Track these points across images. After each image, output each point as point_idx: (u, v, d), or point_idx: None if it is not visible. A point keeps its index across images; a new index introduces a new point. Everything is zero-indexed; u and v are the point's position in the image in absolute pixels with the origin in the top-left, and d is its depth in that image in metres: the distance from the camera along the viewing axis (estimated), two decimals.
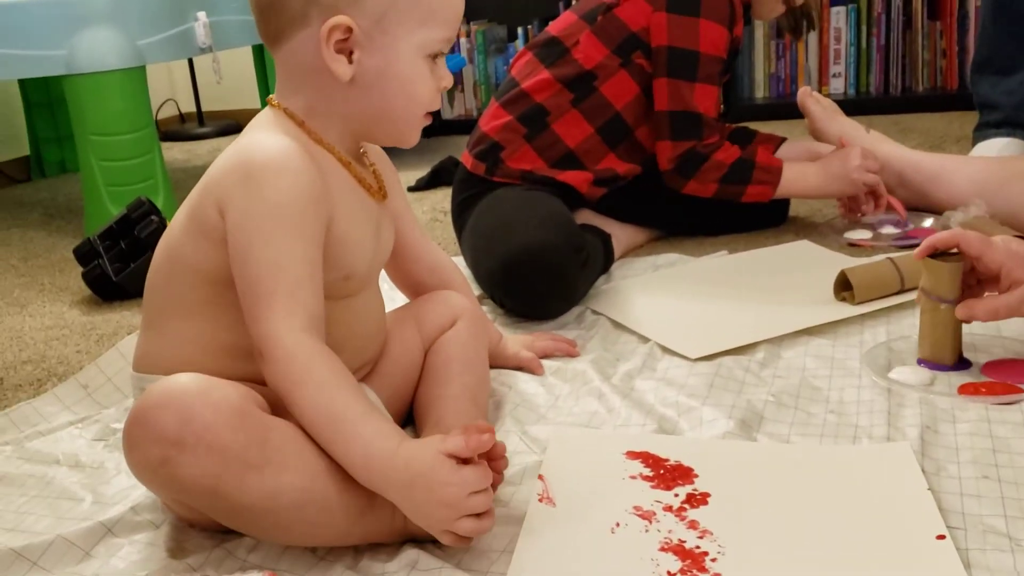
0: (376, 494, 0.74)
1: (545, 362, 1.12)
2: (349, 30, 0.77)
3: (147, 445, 0.70)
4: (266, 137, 0.79)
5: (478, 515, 0.71)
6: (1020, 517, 0.75)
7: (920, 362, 1.02)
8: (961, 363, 1.02)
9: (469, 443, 0.70)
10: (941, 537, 0.72)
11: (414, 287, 1.05)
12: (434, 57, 0.82)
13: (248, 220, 0.75)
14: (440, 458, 0.70)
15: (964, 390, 0.97)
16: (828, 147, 1.56)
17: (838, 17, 2.65)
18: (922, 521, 0.75)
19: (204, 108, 3.33)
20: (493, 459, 0.76)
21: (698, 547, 0.73)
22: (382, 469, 0.71)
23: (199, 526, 0.81)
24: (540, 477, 0.84)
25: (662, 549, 0.73)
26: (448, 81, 0.84)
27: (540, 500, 0.80)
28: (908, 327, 1.14)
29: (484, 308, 1.29)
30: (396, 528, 0.76)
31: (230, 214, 0.76)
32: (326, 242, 0.78)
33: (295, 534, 0.74)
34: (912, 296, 1.20)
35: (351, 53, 0.79)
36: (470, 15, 3.02)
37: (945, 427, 0.90)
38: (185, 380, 0.72)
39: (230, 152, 0.80)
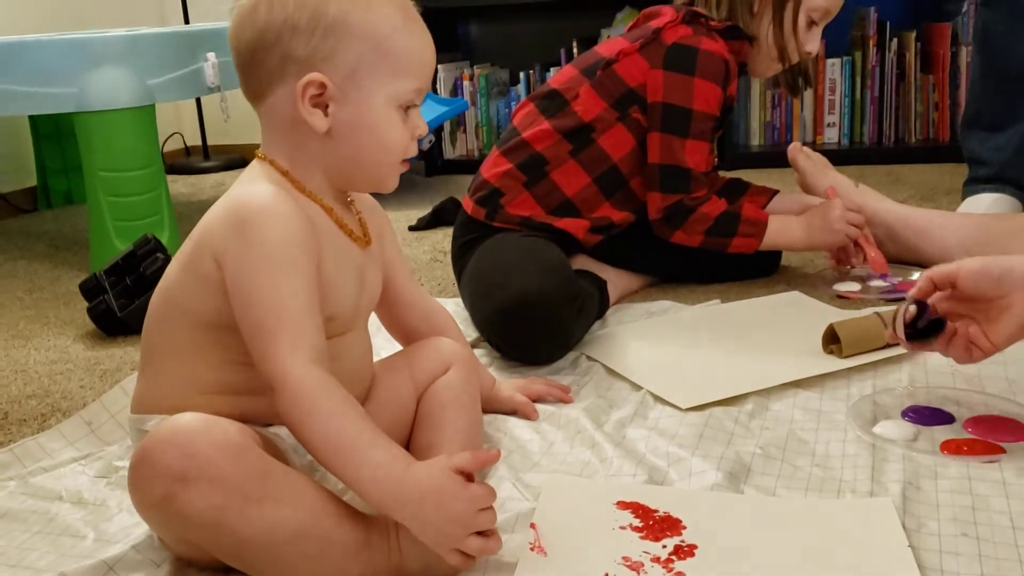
0: (373, 531, 0.77)
1: (539, 407, 1.14)
2: (323, 85, 0.82)
3: (152, 481, 0.73)
4: (254, 187, 0.83)
5: (485, 535, 0.74)
6: (996, 575, 0.77)
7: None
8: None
9: (477, 458, 0.75)
10: None
11: (408, 334, 1.07)
12: (406, 108, 0.86)
13: (246, 266, 0.79)
14: (449, 474, 0.74)
15: (946, 447, 0.99)
16: (819, 200, 1.60)
17: (833, 69, 2.71)
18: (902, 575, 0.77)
19: (210, 142, 3.38)
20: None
21: None
22: (394, 490, 0.74)
23: (198, 565, 0.84)
24: (532, 526, 0.86)
25: None
26: (422, 130, 0.88)
27: (532, 549, 0.83)
28: (894, 381, 1.17)
29: (480, 351, 1.32)
30: (392, 564, 0.78)
31: (228, 263, 0.80)
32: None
33: (293, 570, 0.76)
34: (899, 351, 1.23)
35: (326, 107, 0.83)
36: (474, 59, 3.08)
37: (927, 483, 0.92)
38: (187, 418, 0.75)
39: (221, 204, 0.84)
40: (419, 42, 0.86)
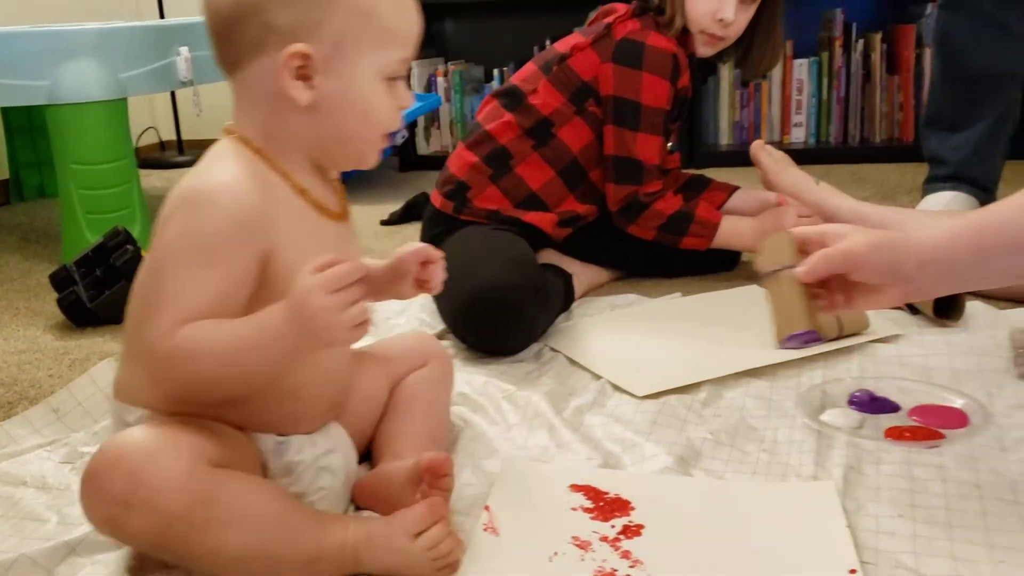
0: (327, 541, 0.78)
1: (499, 388, 1.17)
2: (307, 56, 0.79)
3: (97, 504, 0.75)
4: (212, 173, 0.81)
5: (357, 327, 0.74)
6: (927, 554, 0.81)
7: (786, 341, 0.93)
8: (811, 335, 0.92)
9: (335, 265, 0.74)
10: (853, 572, 0.78)
11: None
12: (392, 79, 0.84)
13: (160, 249, 0.78)
14: (302, 277, 0.73)
15: (890, 434, 1.03)
16: (774, 196, 1.64)
17: (801, 69, 2.75)
18: (837, 555, 0.80)
19: (184, 136, 3.38)
20: (439, 476, 0.82)
21: (628, 575, 0.79)
22: (280, 330, 0.74)
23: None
24: (486, 508, 0.89)
25: (595, 574, 0.78)
26: (407, 101, 0.86)
27: (485, 529, 0.85)
28: (843, 371, 1.20)
29: (446, 343, 1.35)
30: (345, 573, 0.79)
31: (155, 242, 0.79)
32: (270, 274, 0.80)
33: None
34: (851, 342, 1.27)
35: (309, 79, 0.80)
36: (448, 56, 3.11)
37: (869, 468, 0.96)
38: (136, 439, 0.75)
39: (176, 188, 0.82)
40: (406, 11, 0.83)
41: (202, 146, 3.56)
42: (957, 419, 1.05)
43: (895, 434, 1.03)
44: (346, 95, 0.81)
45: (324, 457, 0.89)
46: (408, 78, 0.89)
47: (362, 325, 0.74)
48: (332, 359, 0.90)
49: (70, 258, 1.63)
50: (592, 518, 0.88)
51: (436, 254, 0.95)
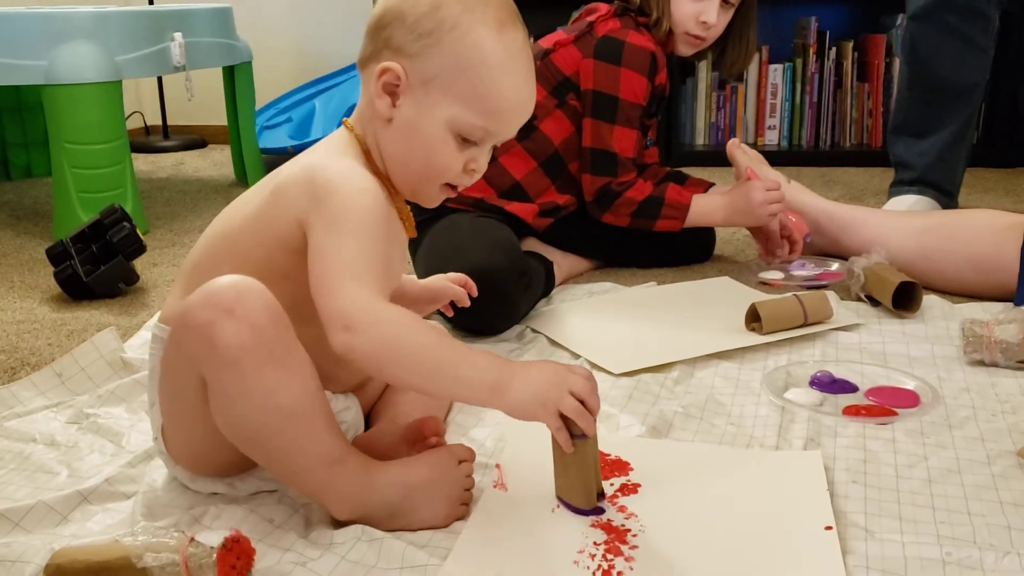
0: (351, 457, 0.83)
1: None
2: (397, 76, 0.86)
3: (202, 309, 0.80)
4: (339, 161, 0.87)
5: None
6: (876, 514, 0.89)
7: (567, 505, 0.89)
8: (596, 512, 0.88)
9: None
10: (829, 528, 0.85)
11: None
12: (466, 139, 0.88)
13: (334, 220, 0.82)
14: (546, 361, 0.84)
15: (848, 411, 1.11)
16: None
17: (775, 74, 2.84)
18: (816, 514, 0.88)
19: (170, 122, 3.41)
20: (429, 435, 0.92)
21: (623, 525, 0.86)
22: (499, 373, 0.81)
23: (191, 469, 0.91)
24: (497, 466, 0.96)
25: (592, 526, 0.86)
26: (476, 165, 0.90)
27: (495, 486, 0.93)
28: (807, 355, 1.28)
29: (432, 322, 1.41)
30: (356, 496, 0.84)
31: (314, 227, 0.83)
32: None
33: (273, 446, 0.82)
34: (815, 329, 1.35)
35: (396, 96, 0.87)
36: None
37: (827, 440, 1.04)
38: (248, 279, 0.81)
39: (305, 170, 0.86)
40: (507, 89, 0.86)
41: (188, 131, 3.63)
42: (910, 399, 1.14)
43: (852, 411, 1.10)
44: (416, 127, 0.87)
45: (341, 414, 0.97)
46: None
47: (567, 437, 0.83)
48: None
49: (63, 235, 1.68)
50: None
51: (470, 282, 1.11)
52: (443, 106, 0.86)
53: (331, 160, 0.88)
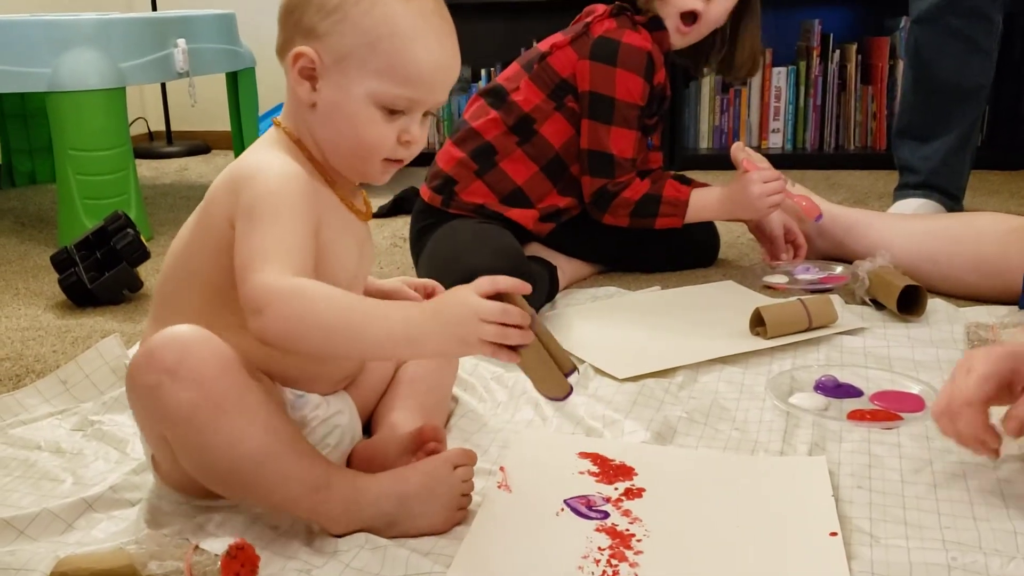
0: (336, 476, 0.84)
1: (486, 368, 1.23)
2: (311, 59, 0.85)
3: (146, 371, 0.80)
4: (259, 154, 0.88)
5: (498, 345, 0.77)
6: (881, 519, 0.89)
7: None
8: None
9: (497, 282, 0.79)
10: (834, 534, 0.85)
11: None
12: (392, 111, 0.86)
13: (249, 210, 0.82)
14: (468, 291, 0.78)
15: (852, 416, 1.11)
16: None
17: (779, 77, 2.84)
18: (821, 520, 0.87)
19: (173, 127, 3.42)
20: (430, 441, 0.91)
21: (627, 530, 0.86)
22: (418, 319, 0.78)
23: (182, 493, 0.91)
24: (501, 468, 0.96)
25: (597, 530, 0.86)
26: (410, 136, 0.88)
27: (499, 487, 0.93)
28: (812, 359, 1.28)
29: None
30: (347, 513, 0.84)
31: (238, 216, 0.83)
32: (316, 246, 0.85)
33: (250, 491, 0.83)
34: (819, 333, 1.35)
35: (314, 80, 0.86)
36: None
37: (832, 445, 1.03)
38: (188, 327, 0.82)
39: (229, 172, 0.88)
40: (422, 55, 0.85)
41: (191, 137, 3.64)
42: (915, 404, 1.13)
43: (857, 416, 1.10)
44: (339, 107, 0.86)
45: (334, 417, 0.96)
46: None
47: (496, 347, 0.78)
48: None
49: (67, 242, 1.68)
50: (597, 481, 0.95)
51: (440, 288, 1.04)
52: (361, 81, 0.85)
53: (253, 155, 0.88)
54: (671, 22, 1.60)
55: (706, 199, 1.61)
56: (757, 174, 1.58)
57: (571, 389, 0.83)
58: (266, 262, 0.79)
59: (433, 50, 0.86)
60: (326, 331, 0.79)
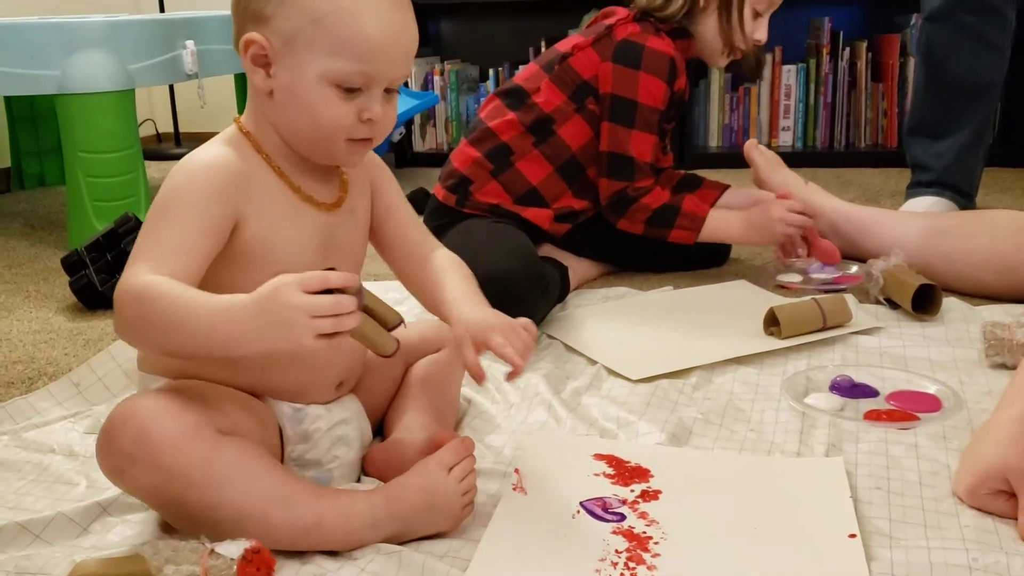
0: (326, 515, 0.82)
1: (500, 371, 1.22)
2: (261, 45, 0.84)
3: (107, 456, 0.81)
4: (198, 149, 0.87)
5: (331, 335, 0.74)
6: (900, 520, 0.88)
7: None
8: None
9: (328, 276, 0.74)
10: (853, 536, 0.84)
11: (416, 284, 1.03)
12: (349, 89, 0.84)
13: (151, 207, 0.84)
14: (279, 279, 0.74)
15: (869, 416, 1.10)
16: (769, 195, 1.70)
17: (789, 75, 2.83)
18: (840, 522, 0.87)
19: (182, 129, 3.42)
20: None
21: (644, 533, 0.86)
22: (235, 307, 0.74)
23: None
24: (516, 471, 0.96)
25: (614, 532, 0.85)
26: (370, 114, 0.85)
27: (514, 489, 0.93)
28: (827, 359, 1.27)
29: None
30: (349, 540, 0.83)
31: None
32: (239, 240, 0.85)
33: (244, 533, 0.80)
34: (834, 333, 1.34)
35: (268, 67, 0.85)
36: (445, 55, 3.17)
37: (848, 446, 1.03)
38: (146, 401, 0.80)
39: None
40: (370, 27, 0.83)
41: (200, 139, 3.65)
42: (931, 403, 1.12)
43: (873, 416, 1.09)
44: (293, 91, 0.85)
45: (339, 427, 0.95)
46: (398, 87, 0.87)
47: (328, 337, 0.73)
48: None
49: (77, 244, 1.68)
50: (613, 483, 0.95)
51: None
52: (312, 61, 0.83)
53: (201, 148, 0.87)
54: (713, 46, 1.60)
55: (724, 219, 1.61)
56: (786, 202, 1.58)
57: (399, 344, 0.81)
58: (133, 262, 0.80)
59: (381, 20, 0.83)
60: (162, 332, 0.77)
